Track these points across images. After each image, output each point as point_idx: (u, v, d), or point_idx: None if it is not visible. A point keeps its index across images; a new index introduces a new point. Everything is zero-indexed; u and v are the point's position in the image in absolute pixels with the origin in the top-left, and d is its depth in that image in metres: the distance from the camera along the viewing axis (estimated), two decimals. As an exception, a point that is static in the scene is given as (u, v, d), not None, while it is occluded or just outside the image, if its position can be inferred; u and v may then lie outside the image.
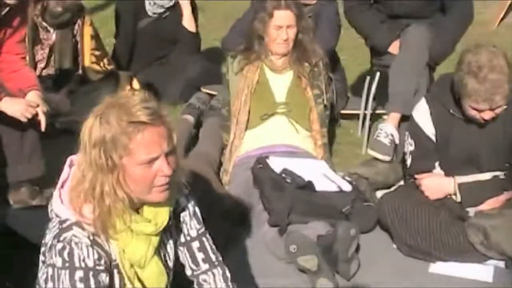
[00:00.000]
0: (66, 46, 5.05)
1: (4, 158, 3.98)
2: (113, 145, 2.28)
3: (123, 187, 2.33)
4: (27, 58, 4.57)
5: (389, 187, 4.16)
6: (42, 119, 3.87)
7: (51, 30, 4.96)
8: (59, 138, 4.34)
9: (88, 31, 5.13)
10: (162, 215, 2.45)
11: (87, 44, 5.13)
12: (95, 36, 5.20)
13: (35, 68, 4.88)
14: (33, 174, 3.97)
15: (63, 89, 5.02)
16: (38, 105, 3.86)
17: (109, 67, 5.24)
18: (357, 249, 3.58)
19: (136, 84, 5.15)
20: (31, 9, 4.68)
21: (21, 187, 3.97)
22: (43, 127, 3.88)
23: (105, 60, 5.23)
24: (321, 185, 3.83)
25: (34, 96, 3.89)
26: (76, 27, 5.07)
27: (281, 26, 4.21)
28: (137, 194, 2.36)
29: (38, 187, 3.98)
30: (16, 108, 3.77)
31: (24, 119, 3.80)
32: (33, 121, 3.86)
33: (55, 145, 4.09)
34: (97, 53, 5.20)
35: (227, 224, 3.80)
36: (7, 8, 3.78)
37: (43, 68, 4.99)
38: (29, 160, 3.95)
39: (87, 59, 5.15)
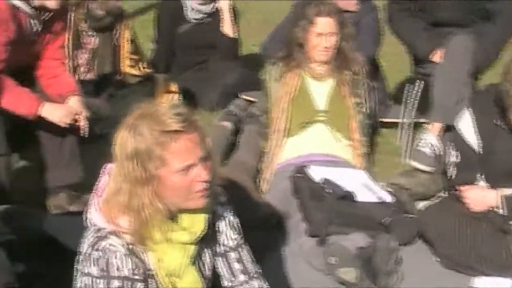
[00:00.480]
0: (107, 50, 5.06)
1: (43, 164, 3.99)
2: (148, 156, 2.25)
3: (160, 198, 2.30)
4: (69, 63, 4.59)
5: (429, 198, 4.09)
6: (84, 124, 3.87)
7: (93, 34, 4.96)
8: (97, 142, 4.33)
9: (126, 35, 5.13)
10: (199, 224, 2.42)
11: (125, 48, 5.12)
12: (133, 40, 5.20)
13: (76, 72, 4.89)
14: (71, 179, 3.97)
15: (103, 93, 5.03)
16: (79, 111, 3.86)
17: (147, 71, 5.23)
18: (398, 262, 3.51)
19: (173, 87, 5.13)
20: (75, 13, 4.70)
21: (59, 193, 3.97)
22: (84, 132, 3.88)
23: (143, 64, 5.23)
24: (361, 196, 3.77)
25: (74, 101, 3.90)
26: (116, 31, 5.07)
27: (322, 33, 4.15)
28: (176, 203, 2.33)
29: (76, 192, 3.97)
30: (56, 114, 3.78)
31: (64, 125, 3.80)
32: (72, 127, 3.86)
33: (94, 150, 4.09)
34: (134, 57, 5.19)
35: (265, 233, 3.75)
36: (49, 14, 3.79)
37: (85, 73, 4.99)
38: (68, 165, 3.95)
39: (125, 63, 5.15)
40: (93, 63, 4.98)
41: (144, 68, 5.24)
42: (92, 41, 4.96)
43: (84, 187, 3.89)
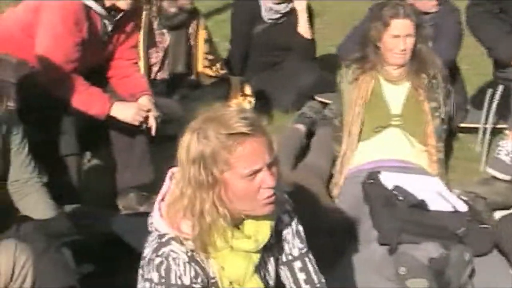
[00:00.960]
0: (180, 49, 5.05)
1: (113, 164, 4.01)
2: (213, 160, 2.19)
3: (225, 203, 2.25)
4: (142, 62, 4.61)
5: (508, 208, 3.94)
6: (153, 124, 3.87)
7: (166, 32, 4.96)
8: (168, 143, 4.33)
9: (202, 34, 5.11)
10: (263, 232, 2.35)
11: (201, 48, 5.11)
12: (209, 40, 5.19)
13: (149, 71, 4.90)
14: (142, 180, 3.98)
15: (176, 94, 5.03)
16: (149, 110, 3.87)
17: (222, 72, 5.20)
18: (472, 274, 3.39)
19: (247, 89, 5.10)
20: (147, 11, 4.71)
21: (130, 193, 3.98)
22: (153, 132, 3.88)
23: (218, 65, 5.21)
24: (434, 204, 3.65)
25: (145, 100, 3.90)
26: (190, 30, 5.06)
27: (398, 35, 4.04)
28: (240, 209, 2.27)
29: (146, 193, 3.97)
30: (127, 112, 3.79)
31: (135, 123, 3.80)
32: (143, 127, 3.87)
33: (165, 151, 4.09)
34: (210, 57, 5.18)
35: (335, 240, 3.68)
36: (121, 14, 3.80)
37: (157, 72, 5.00)
38: (138, 166, 3.97)
39: (200, 64, 5.13)
40: (165, 62, 4.98)
41: (220, 69, 5.21)
42: (165, 39, 4.95)
43: (154, 188, 3.88)
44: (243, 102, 4.97)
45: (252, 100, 5.06)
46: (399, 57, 4.09)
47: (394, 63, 4.12)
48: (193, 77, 5.15)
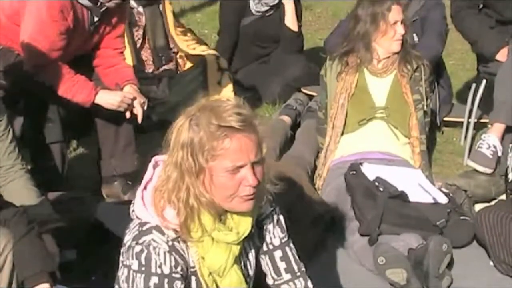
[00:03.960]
0: (157, 23, 5.08)
1: (99, 152, 4.03)
2: (200, 148, 2.22)
3: (208, 192, 2.27)
4: (128, 42, 4.62)
5: (489, 201, 3.97)
6: (139, 111, 3.89)
7: (142, 10, 5.00)
8: (153, 132, 4.36)
9: (169, 7, 5.14)
10: (245, 224, 2.38)
11: (171, 20, 5.12)
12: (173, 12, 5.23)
13: (135, 51, 4.93)
14: (126, 168, 4.00)
15: (162, 79, 5.04)
16: (134, 98, 3.87)
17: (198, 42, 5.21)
18: (451, 265, 3.43)
19: (223, 63, 5.03)
20: None
21: (114, 181, 4.00)
22: (140, 119, 3.89)
23: (189, 34, 5.22)
24: (415, 196, 3.68)
25: (130, 89, 3.91)
26: (160, 4, 5.10)
27: (397, 20, 4.04)
28: (219, 201, 2.29)
29: (130, 181, 3.99)
30: (112, 100, 3.80)
31: (120, 109, 3.81)
32: (128, 115, 3.88)
33: (150, 139, 4.12)
34: (180, 29, 5.21)
35: (318, 230, 3.72)
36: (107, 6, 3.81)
37: (140, 49, 5.02)
38: (123, 154, 3.98)
39: (174, 32, 5.12)
40: (146, 39, 5.00)
41: (196, 41, 5.22)
42: (142, 18, 5.00)
43: (139, 176, 3.88)
44: (222, 82, 4.95)
45: (228, 73, 5.01)
46: (399, 44, 4.09)
47: (394, 50, 4.10)
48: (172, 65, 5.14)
